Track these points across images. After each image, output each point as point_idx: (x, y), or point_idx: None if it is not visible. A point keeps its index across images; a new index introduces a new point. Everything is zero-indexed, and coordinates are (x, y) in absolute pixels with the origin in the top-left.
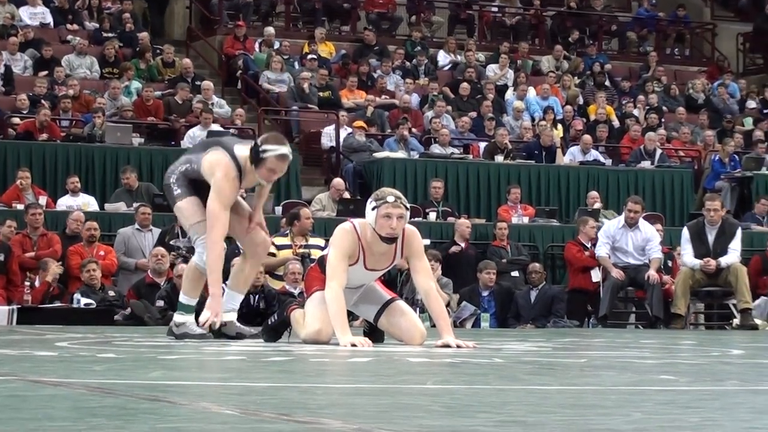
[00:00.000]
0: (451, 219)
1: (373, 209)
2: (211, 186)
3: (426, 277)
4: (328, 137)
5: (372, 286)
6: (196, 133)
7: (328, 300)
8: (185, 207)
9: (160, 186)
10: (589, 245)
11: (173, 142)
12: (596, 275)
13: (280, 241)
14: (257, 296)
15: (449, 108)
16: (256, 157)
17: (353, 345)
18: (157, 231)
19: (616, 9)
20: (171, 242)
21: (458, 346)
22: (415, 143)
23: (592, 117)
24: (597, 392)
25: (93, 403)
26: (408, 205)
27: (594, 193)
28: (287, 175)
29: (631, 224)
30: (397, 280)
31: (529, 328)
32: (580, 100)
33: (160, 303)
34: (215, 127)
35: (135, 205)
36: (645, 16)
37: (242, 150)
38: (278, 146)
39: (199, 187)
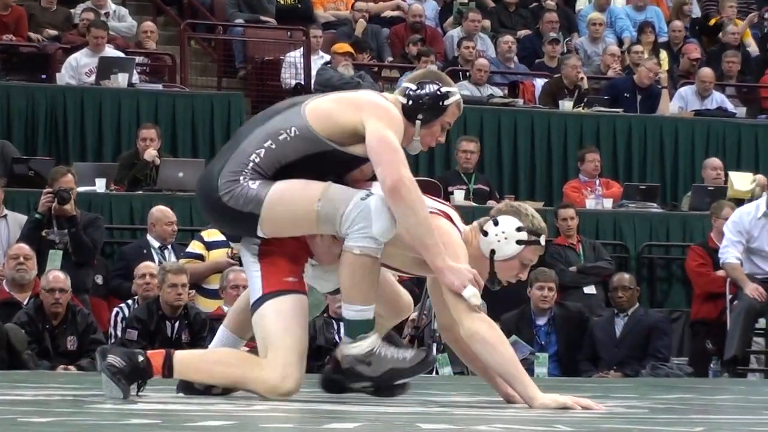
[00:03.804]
0: (490, 202)
1: (519, 243)
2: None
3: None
4: (291, 69)
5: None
6: (82, 62)
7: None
8: (284, 188)
9: (51, 150)
10: None
11: (45, 76)
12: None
13: (210, 235)
14: (177, 322)
15: (487, 23)
16: (435, 104)
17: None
18: (16, 217)
19: None
20: (45, 233)
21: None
22: None
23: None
24: None
25: None
26: None
27: (715, 161)
28: (228, 130)
29: None
30: None
31: (614, 376)
32: (693, 10)
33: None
34: (111, 51)
35: None
36: None
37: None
38: (453, 86)
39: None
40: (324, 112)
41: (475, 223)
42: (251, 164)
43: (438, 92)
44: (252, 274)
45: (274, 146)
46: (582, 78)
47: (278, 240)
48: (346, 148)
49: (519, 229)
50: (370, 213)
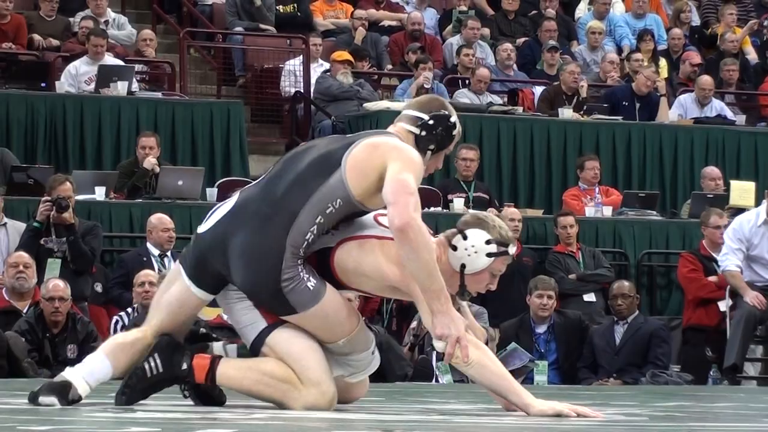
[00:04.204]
0: (491, 210)
1: (489, 255)
2: (393, 165)
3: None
4: (291, 77)
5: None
6: (81, 70)
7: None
8: (331, 308)
9: (50, 159)
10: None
11: (44, 84)
12: (724, 304)
13: None
14: None
15: (486, 31)
16: (447, 135)
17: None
18: (16, 225)
19: None
20: (43, 242)
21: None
22: (438, 89)
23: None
24: None
25: None
26: None
27: (713, 171)
28: (227, 139)
29: None
30: (385, 309)
31: (613, 383)
32: (693, 18)
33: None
34: (110, 59)
35: None
36: None
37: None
38: (454, 111)
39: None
40: (357, 165)
41: (441, 237)
42: (305, 243)
43: (449, 122)
44: (243, 311)
45: (323, 221)
46: (582, 85)
47: None
48: (370, 206)
49: (488, 242)
50: (369, 366)
